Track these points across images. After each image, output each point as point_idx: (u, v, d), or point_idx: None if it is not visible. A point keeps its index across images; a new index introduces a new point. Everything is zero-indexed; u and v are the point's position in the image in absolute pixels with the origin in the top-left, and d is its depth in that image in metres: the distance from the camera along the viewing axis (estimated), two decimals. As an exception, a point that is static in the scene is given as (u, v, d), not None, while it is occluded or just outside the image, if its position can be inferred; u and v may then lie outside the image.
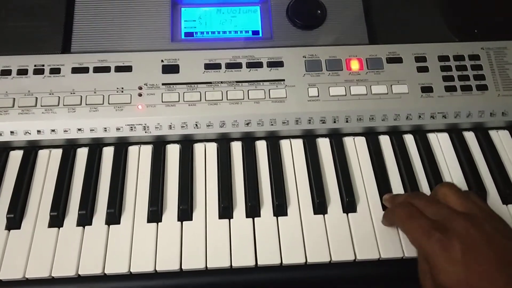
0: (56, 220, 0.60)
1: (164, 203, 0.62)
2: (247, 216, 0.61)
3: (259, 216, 0.61)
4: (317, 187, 0.63)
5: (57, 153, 0.66)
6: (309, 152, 0.67)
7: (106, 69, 0.68)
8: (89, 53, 0.69)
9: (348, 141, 0.69)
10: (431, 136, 0.70)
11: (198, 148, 0.67)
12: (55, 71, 0.67)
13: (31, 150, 0.66)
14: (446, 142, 0.69)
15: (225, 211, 0.61)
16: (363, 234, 0.60)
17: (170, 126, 0.66)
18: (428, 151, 0.67)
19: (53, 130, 0.65)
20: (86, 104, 0.65)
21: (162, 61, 0.69)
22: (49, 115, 0.65)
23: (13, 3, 0.71)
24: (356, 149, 0.68)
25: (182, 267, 0.57)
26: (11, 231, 0.59)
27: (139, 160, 0.66)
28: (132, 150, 0.67)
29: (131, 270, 0.57)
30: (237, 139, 0.68)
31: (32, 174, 0.64)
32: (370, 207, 0.62)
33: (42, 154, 0.66)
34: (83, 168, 0.65)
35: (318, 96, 0.67)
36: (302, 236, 0.59)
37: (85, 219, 0.60)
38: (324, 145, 0.68)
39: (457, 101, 0.68)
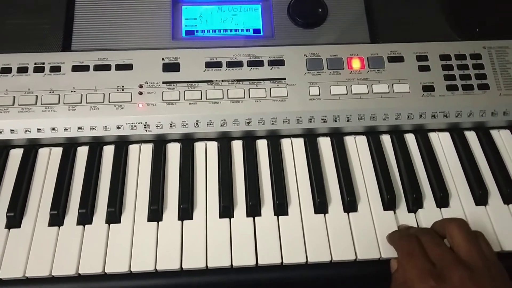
0: (56, 219, 0.60)
1: (165, 202, 0.62)
2: (247, 216, 0.61)
3: (260, 215, 0.61)
4: (318, 186, 0.63)
5: (57, 151, 0.66)
6: (310, 151, 0.67)
7: (107, 67, 0.67)
8: (90, 51, 0.69)
9: (349, 140, 0.68)
10: (433, 136, 0.69)
11: (199, 147, 0.67)
12: (56, 69, 0.67)
13: (31, 148, 0.66)
14: (448, 142, 0.69)
15: (226, 210, 0.61)
16: (364, 233, 0.60)
17: (171, 124, 0.65)
18: (429, 151, 0.67)
19: (53, 129, 0.65)
20: (86, 103, 0.65)
21: (162, 59, 0.68)
22: (50, 113, 0.64)
23: (13, 1, 0.71)
24: (357, 148, 0.68)
25: (183, 267, 0.57)
26: (11, 229, 0.59)
27: (140, 159, 0.66)
28: (133, 148, 0.67)
29: (131, 269, 0.57)
30: (238, 138, 0.68)
31: (32, 173, 0.64)
32: (371, 206, 0.62)
33: (42, 152, 0.66)
34: (83, 167, 0.64)
35: (319, 95, 0.67)
36: (303, 235, 0.59)
37: (85, 218, 0.60)
38: (325, 144, 0.68)
39: (458, 100, 0.68)
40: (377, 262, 0.58)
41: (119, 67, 0.67)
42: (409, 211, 0.63)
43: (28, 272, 0.56)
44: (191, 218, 0.60)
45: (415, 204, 0.63)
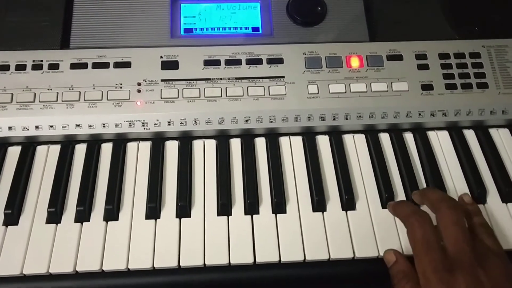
0: (54, 216, 0.60)
1: (163, 199, 0.62)
2: (245, 213, 0.61)
3: (258, 213, 0.61)
4: (316, 184, 0.63)
5: (55, 149, 0.66)
6: (308, 150, 0.66)
7: (105, 65, 0.67)
8: (88, 48, 0.69)
9: (347, 138, 0.68)
10: (431, 134, 0.69)
11: (197, 144, 0.67)
12: (54, 66, 0.67)
13: (29, 146, 0.66)
14: (446, 140, 0.69)
15: (224, 208, 0.61)
16: (362, 232, 0.60)
17: (169, 122, 0.65)
18: (428, 149, 0.67)
19: (51, 126, 0.64)
20: (84, 100, 0.65)
21: (161, 57, 0.68)
22: (48, 110, 0.64)
23: (12, -2, 0.71)
24: (356, 147, 0.68)
25: (180, 264, 0.57)
26: (9, 227, 0.59)
27: (138, 157, 0.66)
28: (131, 146, 0.67)
29: (129, 267, 0.57)
30: (236, 136, 0.68)
31: (30, 170, 0.64)
32: (369, 205, 0.62)
33: (40, 150, 0.66)
34: (81, 164, 0.64)
35: (317, 93, 0.67)
36: (301, 233, 0.59)
37: (83, 216, 0.60)
38: (323, 143, 0.68)
39: (457, 99, 0.68)
40: (375, 260, 0.58)
41: (118, 64, 0.67)
42: (408, 209, 0.62)
43: (26, 269, 0.56)
44: (189, 216, 0.60)
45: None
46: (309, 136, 0.68)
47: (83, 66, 0.67)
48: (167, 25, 0.71)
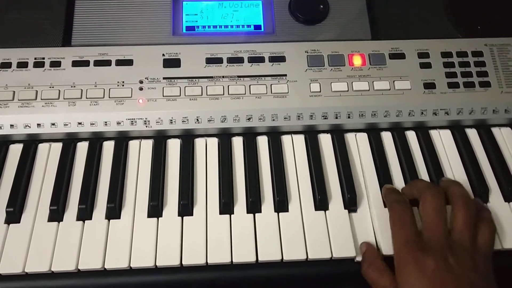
0: (56, 214, 0.60)
1: (165, 198, 0.62)
2: (248, 212, 0.61)
3: (260, 212, 0.61)
4: (318, 183, 0.63)
5: (57, 147, 0.66)
6: (310, 148, 0.66)
7: (107, 63, 0.67)
8: (90, 46, 0.68)
9: (350, 137, 0.68)
10: (433, 133, 0.69)
11: (199, 143, 0.67)
12: (56, 64, 0.67)
13: (31, 143, 0.66)
14: (448, 139, 0.69)
15: (226, 207, 0.60)
16: (364, 231, 0.60)
17: (171, 120, 0.65)
18: (430, 148, 0.67)
19: (53, 124, 0.64)
20: (86, 98, 0.65)
21: (163, 55, 0.68)
22: (49, 108, 0.64)
23: (13, -5, 0.71)
24: (358, 145, 0.68)
25: (183, 263, 0.57)
26: (11, 225, 0.59)
27: (140, 155, 0.66)
28: (133, 144, 0.66)
29: (131, 265, 0.56)
30: (238, 134, 0.68)
31: (32, 168, 0.64)
32: (371, 204, 0.62)
33: (42, 147, 0.66)
34: (83, 162, 0.64)
35: (320, 91, 0.67)
36: (303, 232, 0.59)
37: (85, 214, 0.60)
38: (325, 141, 0.68)
39: (459, 98, 0.68)
40: (377, 259, 0.58)
41: (120, 62, 0.67)
42: (410, 208, 0.62)
43: (28, 268, 0.56)
44: (191, 214, 0.60)
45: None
46: (311, 135, 0.68)
47: (85, 63, 0.67)
48: (169, 23, 0.71)
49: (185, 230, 0.59)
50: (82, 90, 0.65)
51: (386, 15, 0.74)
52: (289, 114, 0.66)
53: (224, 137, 0.67)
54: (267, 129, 0.67)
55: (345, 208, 0.62)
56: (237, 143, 0.67)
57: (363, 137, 0.68)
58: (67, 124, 0.64)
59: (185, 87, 0.66)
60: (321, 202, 0.61)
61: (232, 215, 0.60)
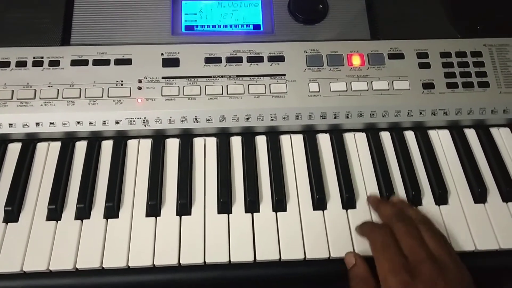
0: (54, 214, 0.60)
1: (163, 197, 0.62)
2: (246, 211, 0.61)
3: (258, 211, 0.61)
4: (316, 183, 0.63)
5: (56, 146, 0.66)
6: (309, 148, 0.66)
7: (106, 62, 0.67)
8: (89, 45, 0.68)
9: (348, 137, 0.68)
10: (432, 133, 0.69)
11: (198, 142, 0.67)
12: (54, 63, 0.67)
13: (29, 142, 0.66)
14: (447, 139, 0.69)
15: (224, 206, 0.60)
16: (363, 230, 0.60)
17: (170, 120, 0.65)
18: (429, 148, 0.67)
19: (51, 123, 0.64)
20: (85, 97, 0.65)
21: (162, 54, 0.68)
22: (48, 107, 0.64)
23: (12, -6, 0.71)
24: (357, 145, 0.68)
25: (181, 262, 0.57)
26: (9, 224, 0.59)
27: (138, 154, 0.66)
28: (131, 144, 0.67)
29: (129, 265, 0.57)
30: (237, 134, 0.68)
31: (31, 167, 0.64)
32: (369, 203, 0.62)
33: (41, 147, 0.66)
34: (81, 162, 0.64)
35: (319, 91, 0.67)
36: (301, 232, 0.59)
37: (83, 213, 0.60)
38: (324, 141, 0.68)
39: (458, 98, 0.68)
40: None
41: (118, 61, 0.67)
42: (408, 208, 0.62)
43: (26, 267, 0.56)
44: (190, 214, 0.60)
45: (413, 201, 0.63)
46: (310, 135, 0.68)
47: (84, 63, 0.67)
48: (168, 22, 0.71)
49: (183, 230, 0.59)
50: (81, 89, 0.65)
51: (385, 15, 0.74)
52: (288, 114, 0.66)
53: (223, 136, 0.67)
54: (265, 128, 0.68)
55: (343, 208, 0.62)
56: (236, 142, 0.67)
57: (361, 137, 0.68)
58: (65, 123, 0.64)
59: (184, 86, 0.66)
60: (319, 202, 0.61)
61: (230, 215, 0.60)
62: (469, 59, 0.70)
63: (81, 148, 0.66)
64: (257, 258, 0.57)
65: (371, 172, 0.65)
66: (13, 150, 0.65)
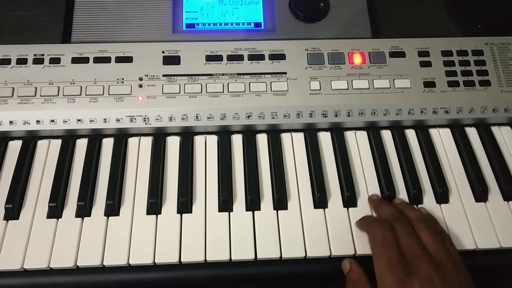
0: (55, 211, 0.59)
1: (164, 195, 0.62)
2: (247, 210, 0.61)
3: (259, 209, 0.61)
4: (317, 181, 0.63)
5: (56, 143, 0.66)
6: (310, 146, 0.66)
7: (107, 60, 0.67)
8: (90, 43, 0.68)
9: (349, 135, 0.68)
10: (433, 132, 0.69)
11: (199, 140, 0.67)
12: (55, 61, 0.66)
13: (30, 140, 0.66)
14: (448, 138, 0.69)
15: (225, 204, 0.60)
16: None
17: (171, 118, 0.65)
18: (430, 147, 0.67)
19: (52, 121, 0.64)
20: (86, 95, 0.65)
21: (163, 52, 0.68)
22: (49, 105, 0.64)
23: (13, -8, 0.71)
24: (358, 144, 0.68)
25: (181, 260, 0.57)
26: (10, 221, 0.59)
27: (139, 152, 0.65)
28: (132, 141, 0.66)
29: (130, 262, 0.56)
30: (237, 132, 0.68)
31: (31, 165, 0.64)
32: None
33: (41, 144, 0.66)
34: (82, 159, 0.64)
35: (320, 89, 0.67)
36: (302, 230, 0.59)
37: (84, 210, 0.60)
38: (325, 139, 0.68)
39: (459, 97, 0.68)
40: (376, 258, 0.58)
41: (119, 59, 0.67)
42: (409, 207, 0.62)
43: (26, 264, 0.56)
44: (190, 212, 0.60)
45: (414, 200, 0.63)
46: (311, 133, 0.68)
47: (85, 60, 0.67)
48: (169, 20, 0.71)
49: (184, 228, 0.59)
50: (81, 87, 0.65)
51: (387, 13, 0.73)
52: (289, 112, 0.66)
53: (224, 134, 0.67)
54: (266, 127, 0.67)
55: (344, 206, 0.62)
56: (237, 140, 0.67)
57: (362, 136, 0.68)
58: (66, 121, 0.64)
59: (184, 84, 0.66)
60: (320, 200, 0.61)
61: (231, 213, 0.60)
62: (470, 57, 0.70)
63: (81, 145, 0.66)
64: (258, 256, 0.57)
65: (372, 171, 0.65)
66: (14, 148, 0.65)
